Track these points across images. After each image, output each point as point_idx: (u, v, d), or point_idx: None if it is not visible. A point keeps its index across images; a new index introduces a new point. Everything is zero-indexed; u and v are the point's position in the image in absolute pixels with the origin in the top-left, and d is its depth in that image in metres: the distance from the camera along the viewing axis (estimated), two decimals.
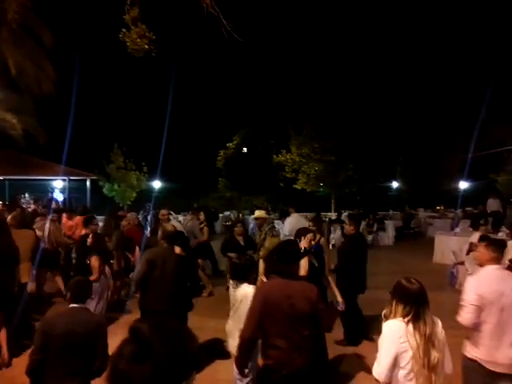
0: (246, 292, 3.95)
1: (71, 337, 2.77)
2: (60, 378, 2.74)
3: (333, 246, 14.44)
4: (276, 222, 17.12)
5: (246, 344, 2.90)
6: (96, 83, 25.52)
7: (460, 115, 23.11)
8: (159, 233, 5.43)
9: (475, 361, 3.24)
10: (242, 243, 7.21)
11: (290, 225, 7.50)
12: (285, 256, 3.08)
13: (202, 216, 9.02)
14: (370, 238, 15.03)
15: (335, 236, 14.90)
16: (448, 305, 4.45)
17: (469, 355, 3.32)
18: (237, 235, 7.29)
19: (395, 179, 28.24)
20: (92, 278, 5.32)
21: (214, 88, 41.12)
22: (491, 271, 3.36)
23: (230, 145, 27.35)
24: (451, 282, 8.84)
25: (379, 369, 2.50)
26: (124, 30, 4.97)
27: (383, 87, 28.18)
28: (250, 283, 4.18)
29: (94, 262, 5.49)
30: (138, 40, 4.96)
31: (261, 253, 6.40)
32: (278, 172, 26.74)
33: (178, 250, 4.59)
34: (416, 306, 2.52)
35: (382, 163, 25.73)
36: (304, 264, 4.13)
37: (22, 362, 3.50)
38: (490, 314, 3.21)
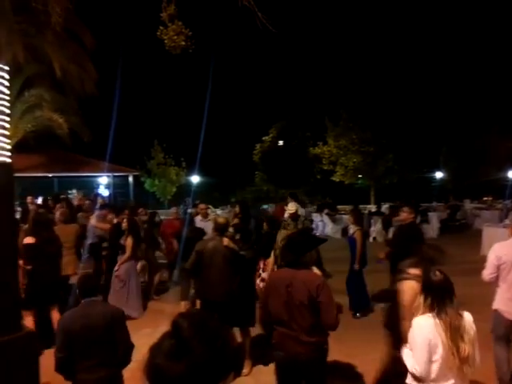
0: None
1: (89, 331, 2.85)
2: (87, 370, 2.85)
3: (373, 239, 14.11)
4: (314, 215, 17.05)
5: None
6: (136, 81, 26.27)
7: (508, 100, 21.83)
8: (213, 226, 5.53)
9: (497, 311, 3.91)
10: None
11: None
12: (292, 246, 3.17)
13: (237, 208, 9.25)
14: None
15: (376, 229, 14.56)
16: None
17: (494, 307, 3.97)
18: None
19: (439, 169, 27.16)
20: (125, 256, 6.14)
21: (249, 81, 41.20)
22: None
23: (265, 138, 27.35)
24: None
25: (416, 364, 2.52)
26: (161, 27, 5.07)
27: (424, 74, 27.16)
28: None
29: (129, 241, 6.15)
30: (175, 37, 5.05)
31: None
32: (315, 164, 26.45)
33: (225, 241, 4.60)
34: (438, 297, 2.51)
35: (424, 153, 24.79)
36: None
37: None
38: (509, 273, 3.85)
